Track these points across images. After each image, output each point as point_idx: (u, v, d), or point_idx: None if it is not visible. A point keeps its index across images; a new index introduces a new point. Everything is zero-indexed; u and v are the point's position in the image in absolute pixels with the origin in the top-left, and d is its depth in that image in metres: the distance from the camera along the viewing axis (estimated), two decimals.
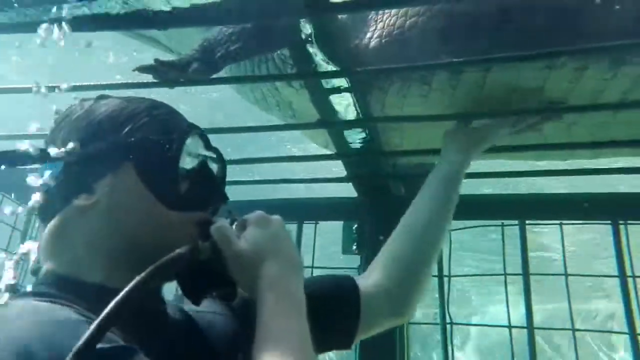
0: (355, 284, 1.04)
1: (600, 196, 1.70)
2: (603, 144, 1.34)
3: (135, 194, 0.80)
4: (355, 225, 1.99)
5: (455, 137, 1.29)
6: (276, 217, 0.85)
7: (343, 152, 1.63)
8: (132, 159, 0.81)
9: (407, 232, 1.15)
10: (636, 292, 1.64)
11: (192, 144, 0.85)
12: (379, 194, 1.89)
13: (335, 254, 1.90)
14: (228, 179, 0.91)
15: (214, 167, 0.89)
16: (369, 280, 1.07)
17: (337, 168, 1.81)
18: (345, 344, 1.03)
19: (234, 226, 0.84)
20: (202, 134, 0.88)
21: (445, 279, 1.82)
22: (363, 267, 1.90)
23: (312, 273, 1.95)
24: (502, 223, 1.78)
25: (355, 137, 1.58)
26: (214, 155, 0.89)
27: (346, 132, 1.54)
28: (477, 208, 1.83)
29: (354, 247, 2.00)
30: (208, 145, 0.89)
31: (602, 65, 1.09)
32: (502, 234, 1.79)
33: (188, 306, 0.89)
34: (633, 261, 1.64)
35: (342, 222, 2.02)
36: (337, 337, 1.01)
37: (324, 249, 2.02)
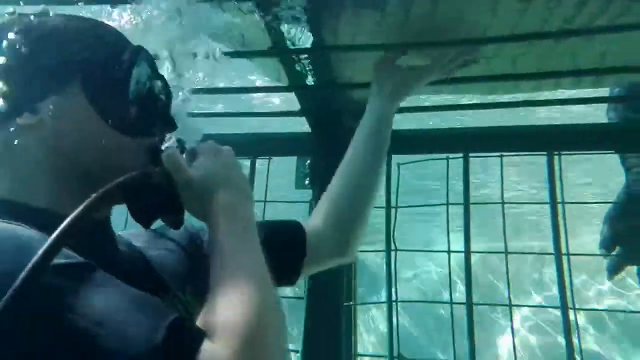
0: (301, 225, 1.08)
1: (536, 128, 1.78)
2: (545, 75, 1.40)
3: (82, 115, 0.78)
4: (309, 161, 2.01)
5: (383, 82, 1.30)
6: (226, 148, 0.86)
7: (296, 84, 1.62)
8: (79, 79, 0.78)
9: (344, 174, 1.19)
10: (564, 219, 1.78)
11: (142, 67, 0.83)
12: (332, 129, 1.91)
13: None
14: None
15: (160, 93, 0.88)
16: (314, 221, 1.11)
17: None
18: (290, 281, 1.07)
19: (183, 155, 0.84)
20: (151, 59, 0.86)
21: (392, 210, 1.90)
22: (315, 202, 1.94)
23: (264, 207, 1.98)
24: (447, 156, 1.85)
25: (307, 69, 1.57)
26: (160, 82, 0.87)
27: (298, 64, 1.53)
28: (423, 142, 1.89)
29: (307, 182, 2.03)
30: (155, 71, 0.87)
31: None
32: (447, 167, 1.87)
33: (136, 242, 0.90)
34: (564, 190, 1.76)
35: (295, 158, 2.05)
36: (282, 274, 1.02)
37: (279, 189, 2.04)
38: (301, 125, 1.90)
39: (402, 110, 1.40)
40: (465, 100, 1.82)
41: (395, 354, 1.82)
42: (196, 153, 0.84)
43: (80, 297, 0.58)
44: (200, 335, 0.61)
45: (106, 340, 0.56)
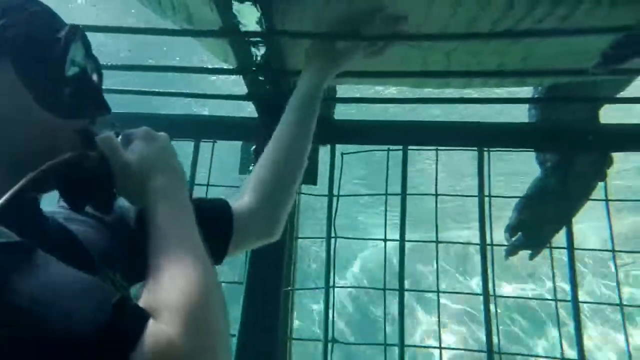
0: (228, 204, 1.07)
1: (468, 125, 1.87)
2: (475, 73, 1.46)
3: (14, 94, 0.74)
4: (254, 147, 1.99)
5: (314, 58, 1.32)
6: (162, 134, 0.86)
7: (245, 67, 1.59)
8: (11, 55, 0.74)
9: (272, 153, 1.18)
10: (490, 212, 1.87)
11: (77, 47, 0.80)
12: (279, 115, 1.89)
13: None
14: (116, 87, 0.87)
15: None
16: (241, 201, 1.09)
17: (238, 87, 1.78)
18: (217, 259, 1.05)
19: (119, 138, 0.83)
20: (86, 38, 0.83)
21: (334, 199, 1.92)
22: None
23: (207, 190, 1.94)
24: (389, 148, 1.89)
25: (257, 52, 1.55)
26: (94, 62, 0.85)
27: (247, 46, 1.50)
28: (365, 133, 1.92)
29: (251, 168, 2.01)
30: (89, 51, 0.84)
31: None
32: (387, 159, 1.91)
33: (61, 218, 0.87)
34: (492, 185, 1.86)
35: (240, 143, 2.02)
36: (210, 252, 1.06)
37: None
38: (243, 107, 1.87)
39: (346, 100, 1.41)
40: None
41: (329, 338, 1.85)
42: (131, 137, 0.83)
43: (20, 277, 0.56)
44: (144, 315, 0.60)
45: (50, 321, 0.55)
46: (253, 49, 1.51)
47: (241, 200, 1.10)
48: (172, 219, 0.74)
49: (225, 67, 1.65)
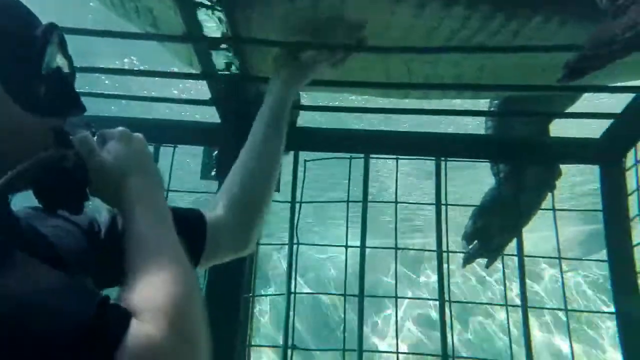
0: (203, 215, 1.06)
1: (427, 135, 1.92)
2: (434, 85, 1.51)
3: None
4: (216, 152, 1.97)
5: (281, 70, 1.32)
6: (138, 135, 0.85)
7: (209, 72, 1.58)
8: None
9: (244, 166, 1.17)
10: (446, 219, 1.92)
11: (54, 45, 0.79)
12: (242, 121, 1.88)
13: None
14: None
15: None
16: (215, 213, 1.08)
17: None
18: None
19: (95, 138, 0.82)
20: (62, 37, 0.82)
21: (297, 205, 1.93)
22: None
23: (167, 195, 1.90)
24: (351, 156, 1.92)
25: (221, 58, 1.54)
26: (69, 62, 0.83)
27: (213, 52, 1.49)
28: (328, 140, 1.94)
29: (213, 173, 1.99)
30: (65, 50, 0.82)
31: (437, 3, 1.20)
32: (350, 166, 1.94)
33: (36, 221, 0.85)
34: (449, 194, 1.91)
35: (202, 148, 1.99)
36: None
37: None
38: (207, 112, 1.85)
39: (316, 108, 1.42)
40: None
41: (289, 344, 1.85)
42: (107, 138, 0.82)
43: (1, 279, 0.55)
44: (127, 314, 0.60)
45: (32, 321, 0.54)
46: (216, 55, 1.50)
47: (215, 212, 1.08)
48: (149, 220, 0.74)
49: (188, 72, 1.63)
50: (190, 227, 1.01)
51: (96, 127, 0.84)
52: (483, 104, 2.06)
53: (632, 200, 1.79)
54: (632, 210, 1.79)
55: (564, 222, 1.95)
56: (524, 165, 1.96)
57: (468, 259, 2.18)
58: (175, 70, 1.75)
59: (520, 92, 1.60)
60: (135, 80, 3.54)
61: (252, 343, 1.92)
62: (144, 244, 0.70)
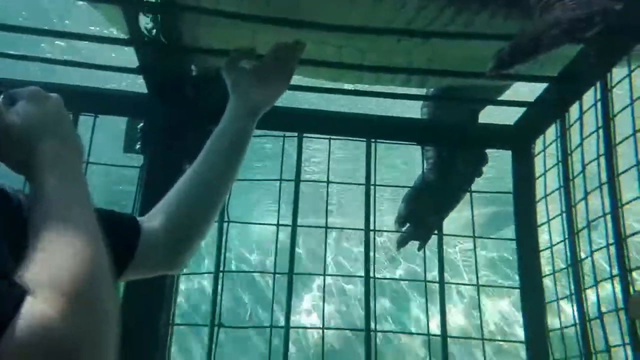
0: (138, 223, 1.00)
1: (359, 117, 1.97)
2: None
3: None
4: (141, 124, 1.87)
5: (244, 95, 1.20)
6: (54, 95, 0.76)
7: (136, 38, 1.48)
8: None
9: (190, 185, 1.10)
10: (375, 199, 2.00)
11: None
12: (172, 94, 1.80)
13: None
14: None
15: None
16: (152, 224, 1.02)
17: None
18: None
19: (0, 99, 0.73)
20: None
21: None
22: (147, 169, 1.82)
23: (86, 167, 1.78)
24: (284, 134, 1.91)
25: (150, 24, 1.45)
26: None
27: (142, 16, 1.40)
28: (262, 119, 1.91)
29: (138, 147, 1.89)
30: None
31: None
32: (283, 144, 1.93)
33: None
34: (378, 174, 1.98)
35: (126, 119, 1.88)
36: None
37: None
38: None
39: None
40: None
41: (216, 322, 1.83)
42: (16, 98, 0.73)
43: None
44: (21, 292, 0.53)
45: None
46: (146, 20, 1.42)
47: (152, 224, 1.02)
48: (61, 189, 0.66)
49: (116, 36, 1.52)
50: (122, 232, 0.95)
51: (5, 88, 0.75)
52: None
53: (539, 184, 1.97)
54: (538, 193, 1.96)
55: (466, 205, 2.10)
56: (452, 150, 2.06)
57: (402, 242, 2.22)
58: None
59: (463, 79, 1.67)
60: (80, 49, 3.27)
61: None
62: (52, 215, 0.63)
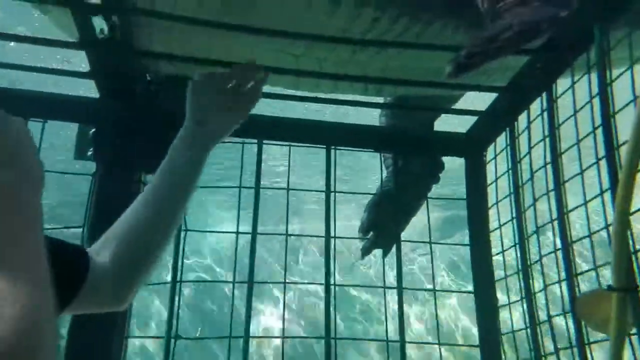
0: (87, 256, 0.95)
1: (319, 124, 1.97)
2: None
3: None
4: (93, 130, 1.80)
5: (203, 125, 1.15)
6: (16, 119, 0.69)
7: (87, 40, 1.42)
8: None
9: (139, 217, 1.05)
10: (335, 205, 2.00)
11: None
12: (124, 98, 1.74)
13: None
14: None
15: None
16: (101, 258, 0.98)
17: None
18: None
19: None
20: None
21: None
22: (99, 175, 1.75)
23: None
24: (243, 141, 1.89)
25: (102, 26, 1.40)
26: None
27: (94, 18, 1.35)
28: None
29: (90, 153, 1.82)
30: None
31: (350, 3, 1.24)
32: (242, 151, 1.91)
33: None
34: (337, 180, 1.99)
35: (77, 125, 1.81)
36: None
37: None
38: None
39: None
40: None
41: (173, 334, 1.78)
42: None
43: None
44: None
45: None
46: (97, 22, 1.37)
47: (100, 257, 0.98)
48: (12, 226, 0.60)
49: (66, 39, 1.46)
50: (69, 264, 0.90)
51: None
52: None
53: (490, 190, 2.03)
54: (490, 200, 2.02)
55: (422, 210, 2.14)
56: (409, 157, 2.09)
57: (366, 250, 2.21)
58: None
59: (417, 87, 1.70)
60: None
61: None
62: None
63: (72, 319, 1.58)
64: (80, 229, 1.68)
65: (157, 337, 1.80)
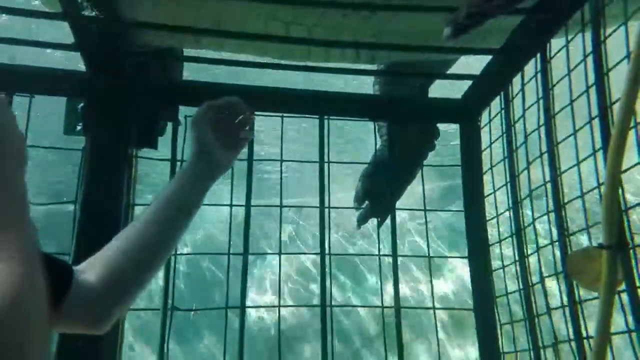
0: (72, 272, 0.93)
1: (311, 93, 1.95)
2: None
3: None
4: (82, 104, 1.78)
5: (208, 159, 1.14)
6: None
7: (72, 12, 1.39)
8: None
9: (136, 245, 1.03)
10: (329, 174, 2.00)
11: None
12: (112, 71, 1.72)
13: None
14: None
15: None
16: (87, 276, 0.96)
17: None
18: None
19: None
20: None
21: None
22: (89, 151, 1.74)
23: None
24: None
25: None
26: None
27: None
28: (210, 95, 1.86)
29: (79, 128, 1.80)
30: None
31: None
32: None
33: None
34: (330, 151, 1.98)
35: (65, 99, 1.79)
36: None
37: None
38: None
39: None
40: None
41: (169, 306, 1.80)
42: None
43: None
44: None
45: None
46: None
47: (86, 275, 0.96)
48: None
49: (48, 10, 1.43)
50: (53, 276, 0.87)
51: None
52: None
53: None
54: (485, 165, 2.02)
55: (428, 178, 2.14)
56: (404, 126, 2.07)
57: (361, 220, 2.21)
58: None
59: (409, 52, 1.67)
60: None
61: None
62: None
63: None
64: (72, 204, 1.68)
65: (154, 310, 1.82)
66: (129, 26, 1.54)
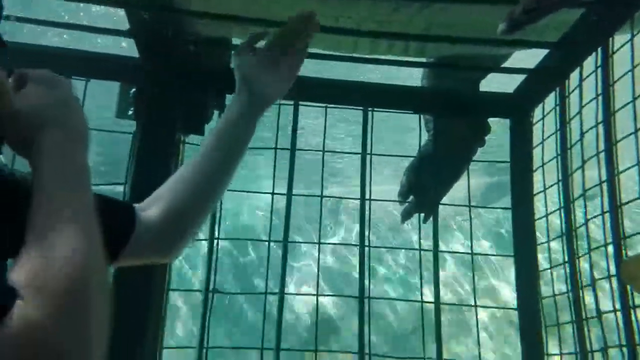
0: (134, 209, 0.98)
1: (355, 84, 1.93)
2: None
3: None
4: (134, 89, 1.84)
5: (253, 92, 1.12)
6: (66, 80, 0.73)
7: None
8: None
9: (192, 175, 1.07)
10: (371, 168, 1.99)
11: None
12: (163, 58, 1.76)
13: None
14: None
15: None
16: (149, 212, 1.01)
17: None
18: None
19: (10, 79, 0.70)
20: None
21: None
22: (139, 135, 1.80)
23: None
24: (279, 103, 1.88)
25: None
26: None
27: None
28: None
29: (130, 113, 1.87)
30: None
31: None
32: (278, 113, 1.91)
33: None
34: (374, 142, 1.96)
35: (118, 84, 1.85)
36: None
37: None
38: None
39: None
40: None
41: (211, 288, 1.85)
42: (26, 79, 0.70)
43: None
44: (11, 295, 0.51)
45: None
46: None
47: (148, 212, 1.01)
48: (61, 181, 0.64)
49: None
50: (117, 220, 0.93)
51: (15, 65, 0.71)
52: None
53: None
54: (537, 162, 1.96)
55: (474, 174, 2.09)
56: (452, 119, 2.02)
57: (406, 215, 2.18)
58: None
59: (462, 44, 1.63)
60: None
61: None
62: (48, 210, 0.61)
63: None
64: (122, 186, 1.75)
65: (196, 290, 1.88)
66: (182, 14, 1.57)
